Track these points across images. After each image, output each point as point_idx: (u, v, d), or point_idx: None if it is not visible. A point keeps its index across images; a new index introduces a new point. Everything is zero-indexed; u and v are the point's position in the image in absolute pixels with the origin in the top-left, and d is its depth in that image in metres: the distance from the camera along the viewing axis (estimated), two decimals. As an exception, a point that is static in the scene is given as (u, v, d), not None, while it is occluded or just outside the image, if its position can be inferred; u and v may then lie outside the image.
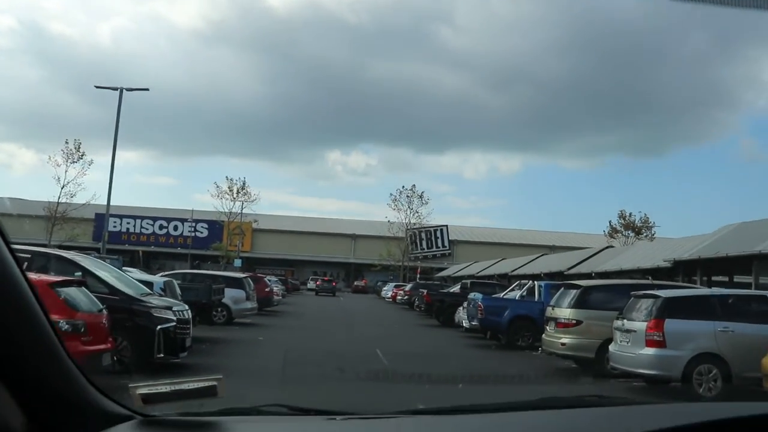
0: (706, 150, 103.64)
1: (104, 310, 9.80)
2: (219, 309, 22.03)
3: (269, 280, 29.69)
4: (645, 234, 62.69)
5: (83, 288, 9.88)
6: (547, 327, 14.84)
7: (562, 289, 15.39)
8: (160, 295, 13.65)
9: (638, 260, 24.39)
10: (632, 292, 12.24)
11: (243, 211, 65.80)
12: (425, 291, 28.57)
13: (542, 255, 39.28)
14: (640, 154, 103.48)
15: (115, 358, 9.91)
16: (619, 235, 65.67)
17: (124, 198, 78.59)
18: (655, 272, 22.45)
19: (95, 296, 10.24)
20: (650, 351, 10.83)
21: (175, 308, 12.07)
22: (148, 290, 13.02)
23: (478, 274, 43.89)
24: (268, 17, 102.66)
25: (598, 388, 12.46)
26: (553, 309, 14.67)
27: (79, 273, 11.50)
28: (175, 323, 11.58)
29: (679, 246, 23.61)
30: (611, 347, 12.09)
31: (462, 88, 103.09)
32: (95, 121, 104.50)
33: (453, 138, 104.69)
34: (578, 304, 13.91)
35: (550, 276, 33.23)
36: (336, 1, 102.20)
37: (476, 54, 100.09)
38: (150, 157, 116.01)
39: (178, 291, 15.90)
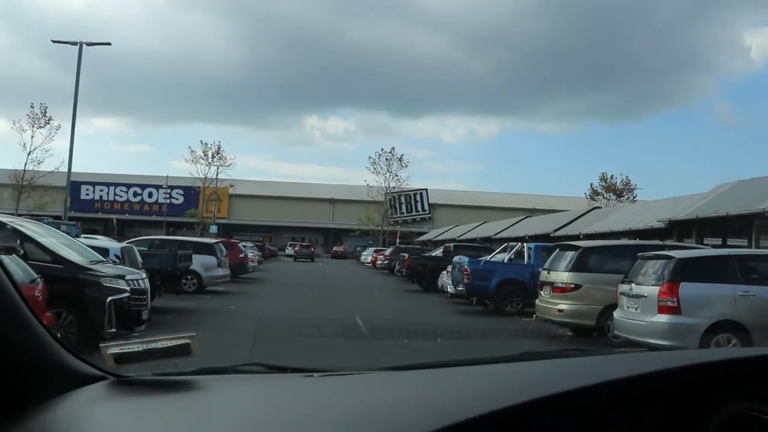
0: (682, 114, 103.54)
1: (39, 281, 8.38)
2: (189, 277, 20.68)
3: (243, 246, 28.24)
4: (626, 197, 62.02)
5: (14, 256, 8.43)
6: (542, 292, 13.65)
7: (558, 250, 14.16)
8: (115, 263, 12.20)
9: (629, 221, 23.27)
10: (640, 254, 11.00)
11: (219, 177, 63.90)
12: (406, 255, 27.35)
13: (525, 217, 38.17)
14: (617, 117, 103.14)
15: (58, 334, 8.53)
16: (601, 197, 65.06)
17: (101, 166, 76.83)
18: (648, 233, 21.35)
19: (37, 265, 8.91)
20: (663, 318, 9.63)
21: (129, 277, 10.65)
22: (101, 258, 11.57)
23: (460, 238, 42.79)
24: None
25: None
26: (548, 273, 13.45)
27: (18, 240, 10.06)
28: (128, 294, 10.19)
29: (672, 206, 22.49)
30: (616, 314, 10.89)
31: (439, 51, 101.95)
32: (68, 86, 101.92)
33: (430, 102, 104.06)
34: (577, 267, 12.69)
35: (534, 239, 32.08)
36: None
37: (453, 16, 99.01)
38: (126, 124, 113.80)
39: (139, 258, 14.44)
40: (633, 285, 10.48)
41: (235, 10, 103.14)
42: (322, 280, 31.05)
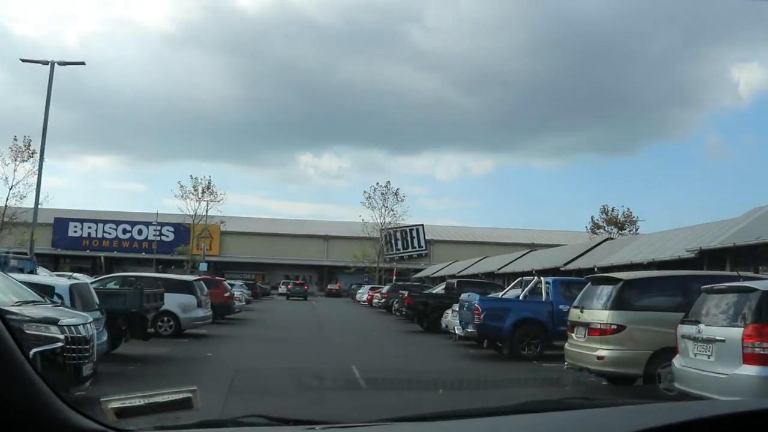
0: (675, 148, 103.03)
1: None
2: (165, 319, 18.41)
3: (230, 284, 25.87)
4: (629, 229, 59.99)
5: None
6: (573, 335, 11.36)
7: (590, 285, 11.90)
8: (56, 304, 9.89)
9: (650, 252, 21.07)
10: (706, 286, 8.76)
11: (210, 213, 61.61)
12: (405, 293, 25.06)
13: (529, 251, 35.99)
14: (610, 152, 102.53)
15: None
16: (602, 230, 63.03)
17: (95, 204, 74.97)
18: (674, 265, 19.14)
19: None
20: (752, 370, 7.36)
21: (64, 322, 8.33)
22: (36, 297, 9.30)
23: (460, 274, 40.51)
24: (237, 18, 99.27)
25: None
26: (581, 311, 11.18)
27: None
28: (61, 344, 7.89)
29: (696, 234, 20.34)
30: (678, 362, 8.61)
31: (434, 89, 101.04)
32: (61, 125, 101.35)
33: (426, 139, 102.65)
34: (618, 304, 10.41)
35: (542, 273, 29.90)
36: (306, 2, 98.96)
37: (447, 55, 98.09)
38: (120, 162, 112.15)
39: (95, 298, 12.12)
40: (701, 326, 8.22)
41: (230, 48, 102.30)
42: (315, 321, 28.65)
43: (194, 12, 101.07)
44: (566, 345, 11.78)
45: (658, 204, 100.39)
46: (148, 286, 16.07)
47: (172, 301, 18.50)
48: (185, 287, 19.09)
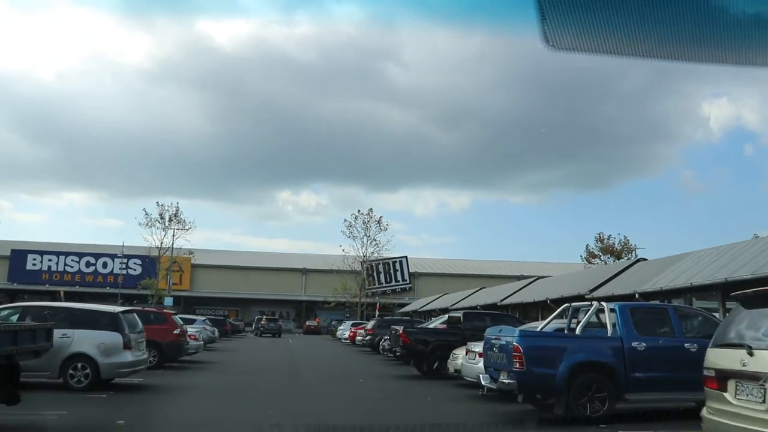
0: (650, 182, 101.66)
1: None
2: (79, 365, 13.23)
3: (184, 319, 20.55)
4: (626, 257, 55.62)
5: None
6: (732, 395, 6.40)
7: (742, 310, 6.97)
8: None
9: (716, 272, 16.23)
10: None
11: (178, 244, 56.01)
12: (400, 329, 19.95)
13: (536, 279, 31.13)
14: (585, 187, 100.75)
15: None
16: (597, 260, 58.62)
17: (69, 240, 69.67)
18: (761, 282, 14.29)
19: None
20: None
21: None
22: None
23: (455, 307, 35.45)
24: (215, 55, 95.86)
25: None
26: (750, 353, 6.23)
27: None
28: None
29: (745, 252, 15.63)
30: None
31: (411, 125, 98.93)
32: (40, 161, 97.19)
33: (404, 175, 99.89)
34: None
35: (558, 302, 24.99)
36: (283, 39, 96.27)
37: (424, 91, 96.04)
38: (97, 198, 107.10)
39: None
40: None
41: (208, 85, 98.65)
42: (290, 364, 23.36)
43: (172, 49, 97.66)
44: (706, 412, 6.81)
45: (637, 236, 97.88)
46: (39, 319, 10.88)
47: (89, 341, 13.43)
48: (108, 321, 13.85)
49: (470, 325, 19.47)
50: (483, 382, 12.03)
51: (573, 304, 12.79)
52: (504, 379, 11.08)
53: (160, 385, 15.11)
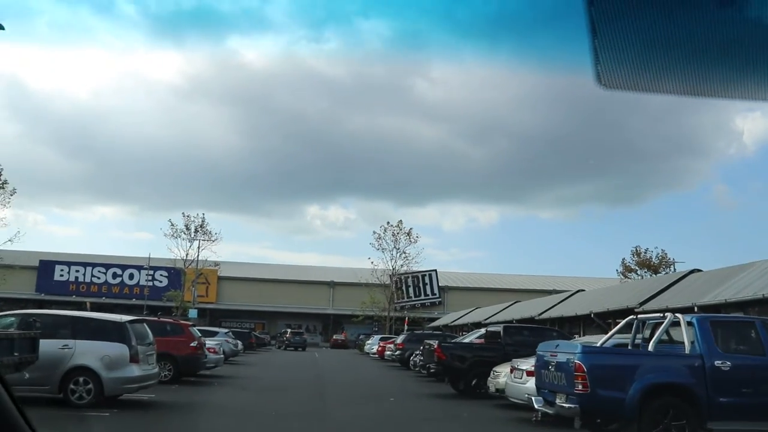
0: (682, 198, 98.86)
1: None
2: (81, 380, 11.84)
3: (195, 331, 19.06)
4: (664, 272, 53.25)
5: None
6: None
7: None
8: None
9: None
10: None
11: (205, 256, 54.84)
12: (434, 343, 18.28)
13: (576, 292, 29.22)
14: (616, 202, 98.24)
15: None
16: (633, 274, 56.26)
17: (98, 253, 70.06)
18: None
19: None
20: None
21: None
22: None
23: (488, 321, 33.65)
24: (244, 71, 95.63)
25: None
26: None
27: None
28: None
29: None
30: None
31: (440, 140, 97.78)
32: (74, 175, 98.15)
33: (432, 190, 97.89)
34: None
35: (602, 317, 23.16)
36: (313, 55, 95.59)
37: (453, 106, 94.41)
38: (128, 212, 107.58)
39: None
40: None
41: (237, 100, 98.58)
42: (315, 380, 21.80)
43: (202, 65, 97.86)
44: None
45: (672, 251, 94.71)
46: (24, 327, 9.49)
47: (92, 353, 12.04)
48: (113, 332, 12.43)
49: (511, 340, 17.77)
50: (536, 406, 10.35)
51: (639, 316, 11.05)
52: (563, 402, 9.41)
53: (172, 402, 13.66)
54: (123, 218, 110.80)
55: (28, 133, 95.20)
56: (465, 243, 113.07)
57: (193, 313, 48.86)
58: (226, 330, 30.45)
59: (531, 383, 11.74)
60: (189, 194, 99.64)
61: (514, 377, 12.96)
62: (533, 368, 11.47)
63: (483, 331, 21.92)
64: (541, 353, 10.52)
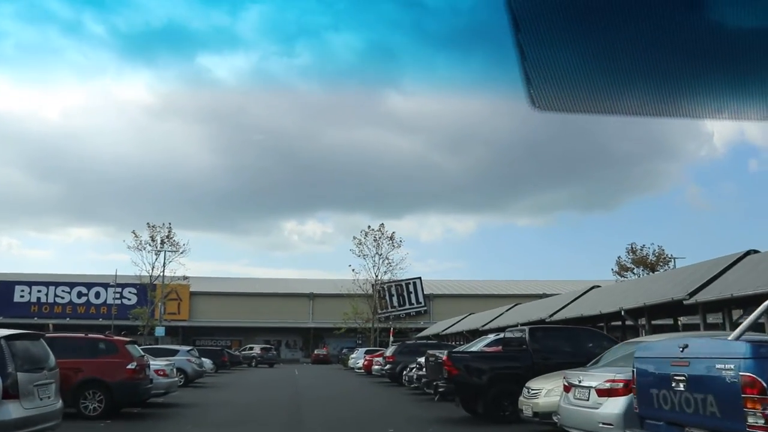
0: (655, 200, 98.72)
1: None
2: None
3: (135, 349, 14.60)
4: (663, 269, 49.73)
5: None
6: None
7: None
8: None
9: None
10: None
11: (173, 269, 50.07)
12: (442, 355, 14.01)
13: (592, 288, 25.22)
14: (591, 208, 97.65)
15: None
16: (629, 273, 52.63)
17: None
18: None
19: None
20: None
21: None
22: None
23: (485, 328, 29.57)
24: (216, 88, 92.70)
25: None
26: None
27: None
28: None
29: None
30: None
31: (416, 152, 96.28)
32: (47, 197, 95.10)
33: (409, 201, 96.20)
34: None
35: (633, 314, 19.16)
36: (285, 70, 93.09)
37: (427, 118, 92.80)
38: (104, 233, 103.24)
39: None
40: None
41: (209, 117, 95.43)
42: (292, 405, 17.43)
43: (174, 83, 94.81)
44: None
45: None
46: None
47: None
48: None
49: (541, 345, 13.65)
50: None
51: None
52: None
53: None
54: (99, 239, 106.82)
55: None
56: (442, 254, 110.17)
57: (159, 330, 44.20)
58: (189, 347, 25.95)
59: (611, 407, 7.66)
60: (166, 214, 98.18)
61: (575, 397, 8.82)
62: (616, 384, 7.37)
63: (492, 337, 17.80)
64: (647, 359, 6.40)
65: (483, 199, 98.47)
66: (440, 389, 13.49)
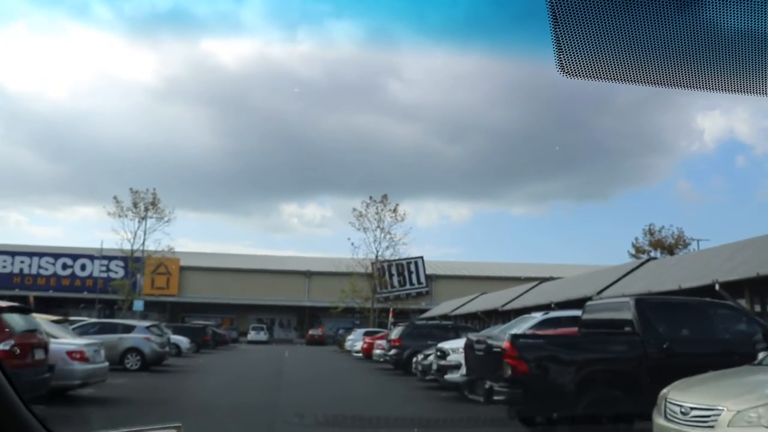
0: (646, 193, 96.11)
1: None
2: None
3: (16, 321, 9.16)
4: (682, 252, 44.68)
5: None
6: None
7: None
8: None
9: None
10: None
11: (157, 237, 44.60)
12: (502, 342, 8.73)
13: (648, 260, 19.85)
14: (583, 198, 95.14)
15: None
16: (646, 255, 47.57)
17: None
18: None
19: None
20: None
21: None
22: None
23: (505, 309, 24.20)
24: (220, 73, 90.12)
25: None
26: None
27: None
28: None
29: None
30: None
31: (415, 139, 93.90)
32: (54, 177, 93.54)
33: (407, 188, 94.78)
34: None
35: (699, 291, 13.75)
36: (287, 56, 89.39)
37: (426, 106, 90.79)
38: (108, 212, 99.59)
39: None
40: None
41: (213, 101, 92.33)
42: (269, 404, 12.00)
43: (178, 67, 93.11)
44: None
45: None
46: None
47: None
48: None
49: (658, 326, 8.26)
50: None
51: None
52: None
53: None
54: (104, 218, 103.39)
55: (6, 135, 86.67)
56: (439, 239, 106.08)
57: (138, 304, 38.65)
58: (150, 323, 20.51)
59: None
60: (169, 194, 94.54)
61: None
62: None
63: (539, 316, 12.57)
64: None
65: (479, 187, 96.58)
66: (499, 396, 8.02)
